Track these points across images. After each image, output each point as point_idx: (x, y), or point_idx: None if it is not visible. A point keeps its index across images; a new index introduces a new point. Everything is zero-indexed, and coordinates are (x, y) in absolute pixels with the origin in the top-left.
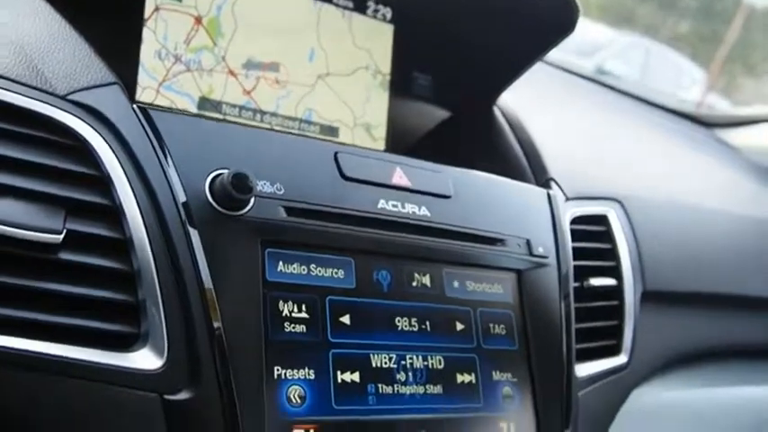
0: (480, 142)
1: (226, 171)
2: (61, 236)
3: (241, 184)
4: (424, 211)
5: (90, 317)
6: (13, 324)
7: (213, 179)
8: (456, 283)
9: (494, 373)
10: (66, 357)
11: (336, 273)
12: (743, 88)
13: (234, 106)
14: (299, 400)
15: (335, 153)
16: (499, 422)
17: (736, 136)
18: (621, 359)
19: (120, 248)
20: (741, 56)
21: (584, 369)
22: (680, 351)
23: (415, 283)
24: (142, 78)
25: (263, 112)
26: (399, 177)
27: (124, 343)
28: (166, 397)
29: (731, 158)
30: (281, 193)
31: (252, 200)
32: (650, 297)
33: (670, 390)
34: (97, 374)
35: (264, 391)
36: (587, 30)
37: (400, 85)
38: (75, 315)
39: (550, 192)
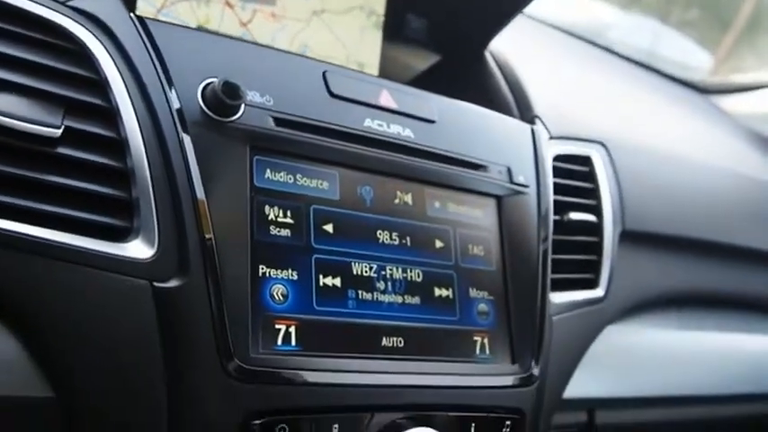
0: (470, 84)
1: (217, 78)
2: (59, 131)
3: (231, 92)
4: (408, 133)
5: (86, 209)
6: (15, 210)
7: (205, 86)
8: (437, 204)
9: (470, 290)
10: (64, 243)
11: (321, 184)
12: (750, 72)
13: None
14: (281, 298)
15: (324, 72)
16: (473, 335)
17: (729, 103)
18: (598, 292)
19: (115, 147)
20: (749, 41)
21: (560, 297)
22: (656, 293)
23: (397, 201)
24: (141, 4)
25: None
26: (386, 99)
27: (118, 236)
28: (156, 285)
29: (722, 121)
30: (270, 104)
31: (242, 108)
32: (629, 237)
33: (643, 330)
34: (93, 260)
35: (249, 286)
36: (595, 10)
37: (394, 27)
38: (73, 207)
39: (534, 127)
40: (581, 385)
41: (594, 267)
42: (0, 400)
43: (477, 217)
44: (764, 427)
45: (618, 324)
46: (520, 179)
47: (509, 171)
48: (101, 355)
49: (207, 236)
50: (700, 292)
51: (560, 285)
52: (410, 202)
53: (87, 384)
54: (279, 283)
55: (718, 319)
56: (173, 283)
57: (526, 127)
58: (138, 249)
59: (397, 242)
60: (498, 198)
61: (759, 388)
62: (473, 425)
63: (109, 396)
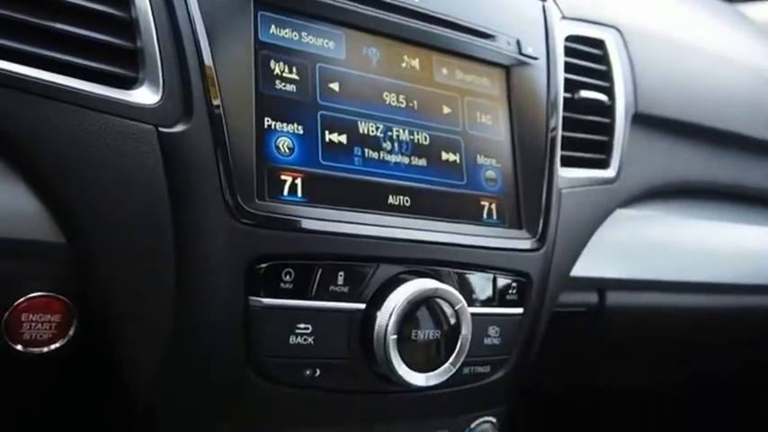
0: None
1: None
2: None
3: None
4: None
5: (93, 57)
6: (24, 55)
7: None
8: (445, 70)
9: (478, 156)
10: (72, 87)
11: (327, 43)
12: None
13: None
14: (287, 151)
15: None
16: (481, 200)
17: (753, 10)
18: (609, 173)
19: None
20: None
21: (570, 173)
22: (668, 179)
23: (404, 64)
24: None
25: None
26: None
27: (124, 84)
28: (161, 130)
29: (745, 26)
30: None
31: None
32: (642, 120)
33: (654, 216)
34: (99, 105)
35: (254, 135)
36: None
37: None
38: (80, 54)
39: (545, 3)
40: (591, 265)
41: (606, 148)
42: (13, 243)
43: (485, 86)
44: None
45: (629, 208)
46: (529, 51)
47: (518, 42)
48: (108, 199)
49: (211, 84)
50: (713, 183)
51: (571, 162)
52: (417, 66)
53: (96, 228)
54: (284, 136)
55: (731, 211)
56: (178, 128)
57: (537, 3)
58: (144, 96)
59: (403, 105)
60: (506, 68)
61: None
62: (479, 285)
63: (117, 239)
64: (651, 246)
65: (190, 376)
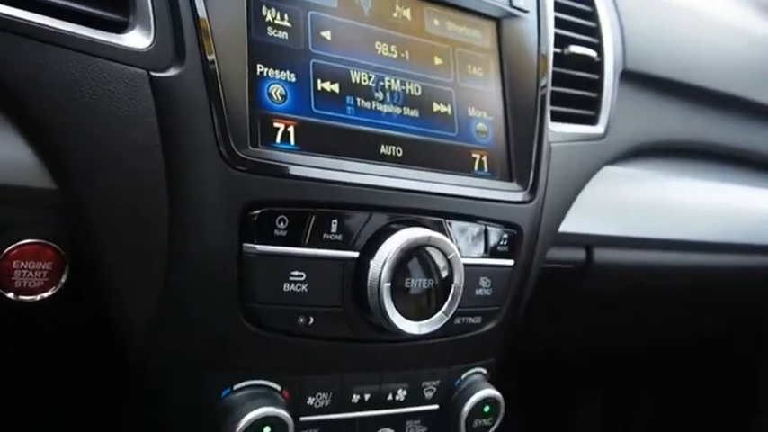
0: None
1: None
2: None
3: None
4: None
5: (86, 2)
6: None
7: None
8: (436, 22)
9: (469, 108)
10: (63, 30)
11: None
12: None
13: None
14: (280, 98)
15: None
16: (472, 152)
17: None
18: (598, 129)
19: None
20: None
21: (560, 128)
22: (656, 138)
23: (395, 14)
24: None
25: None
26: None
27: (115, 28)
28: (153, 74)
29: None
30: None
31: None
32: (630, 78)
33: (642, 174)
34: (91, 48)
35: (247, 82)
36: None
37: None
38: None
39: None
40: (579, 222)
41: (595, 104)
42: (2, 189)
43: (477, 38)
44: (758, 278)
45: (617, 166)
46: (519, 3)
47: None
48: (99, 144)
49: (202, 28)
50: (700, 143)
51: (560, 117)
52: (408, 16)
53: (87, 173)
54: (277, 84)
55: (721, 172)
56: (170, 73)
57: None
58: (136, 40)
59: (395, 55)
60: (497, 20)
61: (754, 239)
62: (470, 236)
63: (108, 185)
64: (638, 204)
65: (183, 324)
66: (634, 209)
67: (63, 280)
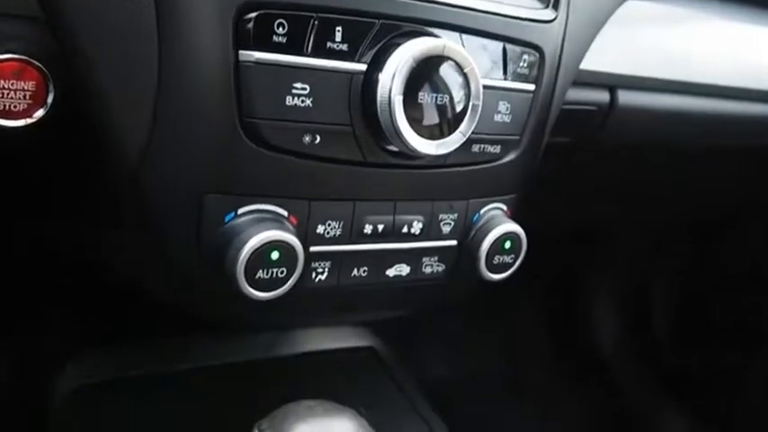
0: None
1: None
2: None
3: None
4: None
5: None
6: None
7: None
8: None
9: None
10: None
11: None
12: None
13: None
14: None
15: None
16: None
17: None
18: None
19: None
20: None
21: None
22: None
23: None
24: None
25: None
26: None
27: None
28: None
29: None
30: None
31: None
32: None
33: (669, 13)
34: None
35: None
36: None
37: None
38: None
39: None
40: (603, 61)
41: None
42: None
43: None
44: None
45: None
46: None
47: None
48: None
49: None
50: None
51: None
52: None
53: None
54: None
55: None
56: None
57: None
58: None
59: None
60: None
61: None
62: (488, 54)
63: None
64: (666, 44)
65: (179, 143)
66: (661, 49)
67: (49, 101)
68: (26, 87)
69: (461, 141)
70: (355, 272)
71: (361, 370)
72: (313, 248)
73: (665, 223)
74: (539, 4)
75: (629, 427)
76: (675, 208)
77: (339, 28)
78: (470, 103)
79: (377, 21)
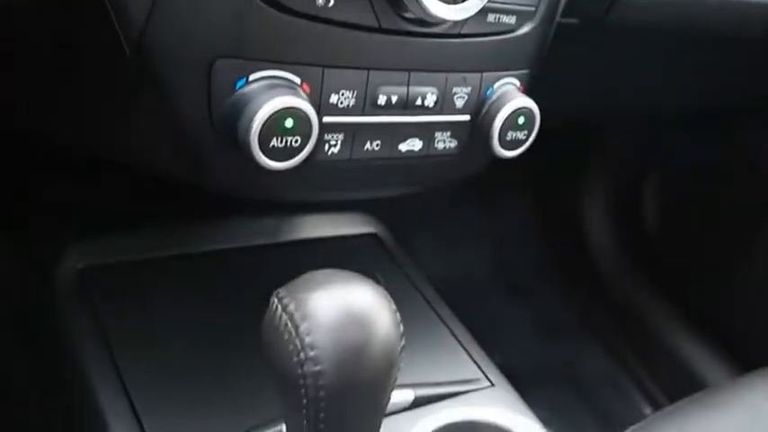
0: None
1: None
2: None
3: None
4: None
5: None
6: None
7: None
8: None
9: None
10: None
11: None
12: None
13: None
14: None
15: None
16: None
17: None
18: None
19: None
20: None
21: None
22: None
23: None
24: None
25: None
26: None
27: None
28: None
29: None
30: None
31: None
32: None
33: None
34: None
35: None
36: None
37: None
38: None
39: None
40: None
41: None
42: None
43: None
44: None
45: None
46: None
47: None
48: None
49: None
50: None
51: None
52: None
53: None
54: None
55: None
56: None
57: None
58: None
59: None
60: None
61: None
62: None
63: None
64: None
65: (186, 5)
66: None
67: None
68: None
69: (480, 7)
70: (368, 145)
71: (369, 253)
72: (326, 119)
73: (670, 110)
74: None
75: (623, 325)
76: (683, 97)
77: None
78: None
79: None
